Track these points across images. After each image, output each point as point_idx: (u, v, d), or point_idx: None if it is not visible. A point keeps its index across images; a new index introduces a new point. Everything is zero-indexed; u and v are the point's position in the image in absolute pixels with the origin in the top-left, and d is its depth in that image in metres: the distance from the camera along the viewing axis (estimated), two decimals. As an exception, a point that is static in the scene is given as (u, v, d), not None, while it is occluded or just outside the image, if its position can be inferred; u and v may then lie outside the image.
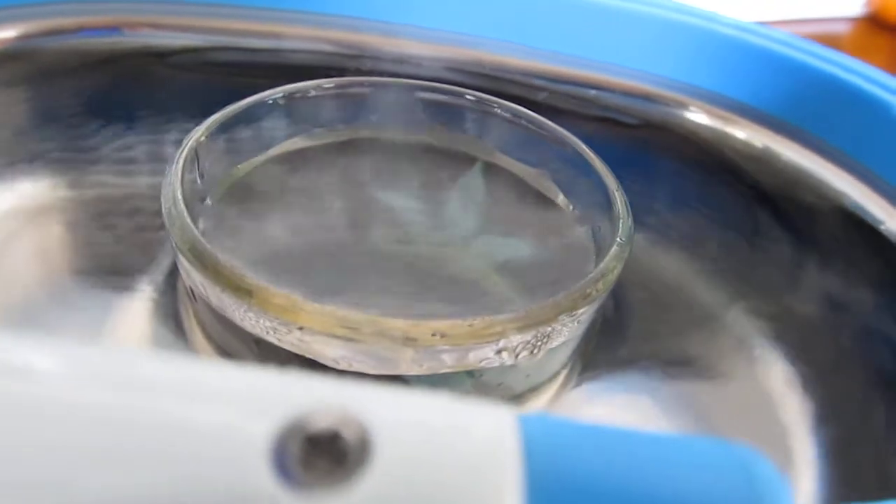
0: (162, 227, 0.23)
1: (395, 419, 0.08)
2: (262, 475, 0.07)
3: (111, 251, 0.23)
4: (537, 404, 0.19)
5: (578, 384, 0.21)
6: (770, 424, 0.21)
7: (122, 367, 0.08)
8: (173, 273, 0.22)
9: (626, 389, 0.21)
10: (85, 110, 0.25)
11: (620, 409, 0.21)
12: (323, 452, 0.07)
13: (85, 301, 0.21)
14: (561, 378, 0.20)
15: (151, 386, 0.08)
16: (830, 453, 0.21)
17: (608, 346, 0.22)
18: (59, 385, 0.08)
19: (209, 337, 0.19)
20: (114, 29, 0.25)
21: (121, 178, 0.25)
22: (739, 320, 0.23)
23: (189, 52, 0.26)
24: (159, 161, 0.25)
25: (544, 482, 0.08)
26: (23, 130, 0.24)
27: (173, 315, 0.21)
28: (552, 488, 0.08)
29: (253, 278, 0.16)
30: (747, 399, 0.22)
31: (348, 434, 0.07)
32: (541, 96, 0.26)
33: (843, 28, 0.65)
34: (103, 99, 0.25)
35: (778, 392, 0.22)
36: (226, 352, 0.18)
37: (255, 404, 0.08)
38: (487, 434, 0.08)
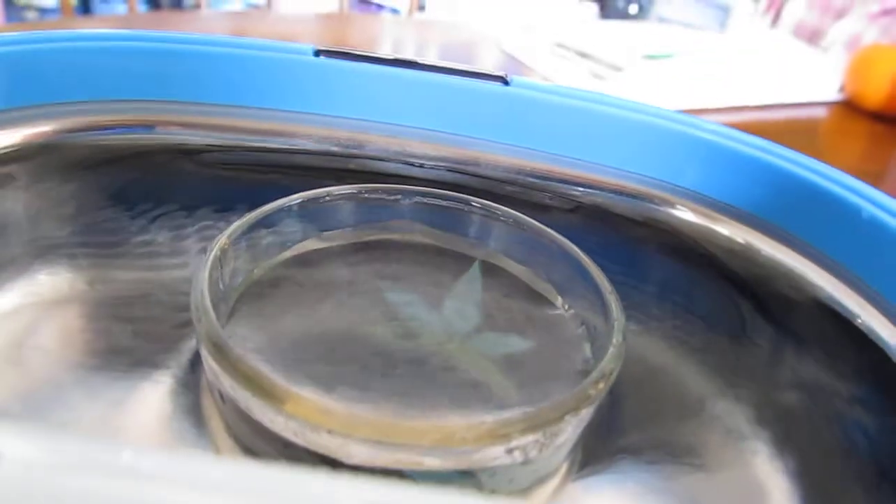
0: (183, 323, 0.24)
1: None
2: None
3: (131, 343, 0.24)
4: (542, 496, 0.21)
5: (579, 475, 0.22)
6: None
7: (150, 464, 0.10)
8: (194, 366, 0.23)
9: (622, 479, 0.22)
10: (112, 204, 0.27)
11: (617, 498, 0.22)
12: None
13: (105, 392, 0.22)
14: (563, 469, 0.21)
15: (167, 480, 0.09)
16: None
17: (604, 438, 0.23)
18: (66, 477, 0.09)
19: (234, 436, 0.20)
20: (145, 127, 0.27)
21: (142, 272, 0.26)
22: (727, 410, 0.25)
23: (212, 151, 0.27)
24: (180, 255, 0.27)
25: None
26: (50, 221, 0.26)
27: (193, 409, 0.22)
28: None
29: (282, 384, 0.17)
30: (736, 487, 0.23)
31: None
32: (545, 199, 0.28)
33: (820, 112, 0.68)
34: (129, 193, 0.27)
35: (764, 480, 0.23)
36: (251, 451, 0.19)
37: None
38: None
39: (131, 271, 0.26)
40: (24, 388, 0.22)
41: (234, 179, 0.28)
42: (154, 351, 0.24)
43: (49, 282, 0.25)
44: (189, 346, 0.24)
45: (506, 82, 0.28)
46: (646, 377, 0.26)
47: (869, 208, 0.24)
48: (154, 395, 0.22)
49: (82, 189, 0.27)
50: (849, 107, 0.70)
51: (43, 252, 0.26)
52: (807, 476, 0.23)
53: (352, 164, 0.28)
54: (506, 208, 0.25)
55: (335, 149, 0.28)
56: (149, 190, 0.28)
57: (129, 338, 0.24)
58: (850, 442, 0.23)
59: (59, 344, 0.24)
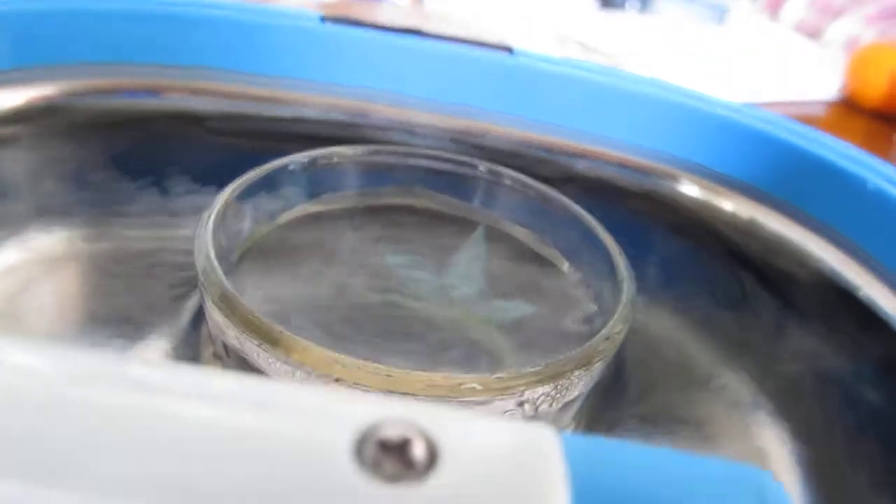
0: (181, 282, 0.24)
1: (457, 432, 0.09)
2: (346, 465, 0.08)
3: (129, 303, 0.24)
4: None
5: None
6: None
7: (203, 383, 0.10)
8: (193, 325, 0.23)
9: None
10: (114, 167, 0.26)
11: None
12: (396, 457, 0.08)
13: (104, 347, 0.22)
14: (570, 432, 0.21)
15: (235, 399, 0.09)
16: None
17: (609, 408, 0.23)
18: (165, 398, 0.09)
19: None
20: (151, 92, 0.27)
21: (142, 232, 0.26)
22: (730, 382, 0.25)
23: (216, 118, 0.27)
24: (180, 217, 0.26)
25: (586, 489, 0.09)
26: (54, 183, 0.26)
27: (193, 361, 0.21)
28: (592, 495, 0.09)
29: (290, 334, 0.17)
30: (739, 458, 0.23)
31: (417, 442, 0.09)
32: (549, 172, 0.27)
33: (819, 110, 0.68)
34: (132, 157, 0.27)
35: (767, 450, 0.23)
36: None
37: (332, 414, 0.09)
38: (537, 447, 0.09)
39: (131, 231, 0.26)
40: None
41: (237, 147, 0.28)
42: (152, 310, 0.23)
43: (48, 241, 0.25)
44: (188, 305, 0.23)
45: (510, 52, 0.28)
46: (650, 349, 0.26)
47: (875, 180, 0.24)
48: (152, 354, 0.22)
49: (85, 152, 0.26)
50: (847, 105, 0.70)
51: (43, 212, 0.25)
52: (810, 447, 0.23)
53: (356, 134, 0.28)
54: (512, 172, 0.25)
55: (340, 118, 0.28)
56: (151, 155, 0.28)
57: (127, 297, 0.24)
58: (852, 413, 0.23)
59: (57, 302, 0.24)
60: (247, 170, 0.24)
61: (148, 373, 0.10)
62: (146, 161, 0.27)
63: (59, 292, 0.24)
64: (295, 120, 0.28)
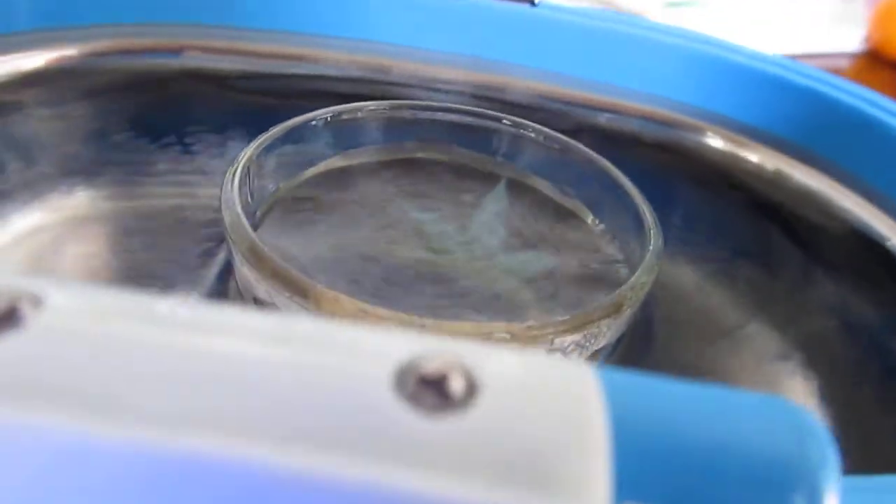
0: (206, 238, 0.24)
1: (496, 366, 0.09)
2: (387, 395, 0.08)
3: (153, 261, 0.24)
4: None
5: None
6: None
7: (252, 323, 0.10)
8: (219, 281, 0.23)
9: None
10: (136, 127, 0.26)
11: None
12: (435, 391, 0.08)
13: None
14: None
15: (282, 338, 0.09)
16: (844, 461, 0.22)
17: (632, 361, 0.23)
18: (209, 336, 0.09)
19: None
20: (172, 52, 0.27)
21: (165, 190, 0.26)
22: (756, 335, 0.24)
23: (237, 77, 0.27)
24: (204, 175, 0.26)
25: (625, 424, 0.09)
26: (79, 144, 0.26)
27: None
28: (632, 429, 0.09)
29: (320, 286, 0.17)
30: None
31: (456, 377, 0.09)
32: (571, 126, 0.27)
33: (843, 63, 0.67)
34: (154, 117, 0.27)
35: (794, 399, 0.23)
36: None
37: (372, 349, 0.09)
38: (575, 380, 0.09)
39: (155, 190, 0.26)
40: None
41: (258, 105, 0.28)
42: (178, 267, 0.24)
43: (73, 202, 0.25)
44: (214, 261, 0.23)
45: (532, 3, 0.28)
46: (674, 302, 0.25)
47: (904, 129, 0.23)
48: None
49: (107, 113, 0.26)
50: (872, 57, 0.69)
51: (67, 173, 0.25)
52: (836, 400, 0.23)
53: (377, 91, 0.27)
54: (536, 125, 0.25)
55: (360, 74, 0.28)
56: (173, 115, 0.28)
57: (152, 255, 0.24)
58: (880, 363, 0.23)
59: (83, 262, 0.24)
60: (268, 128, 0.24)
61: (190, 313, 0.10)
62: (168, 121, 0.27)
63: (84, 252, 0.24)
64: (316, 77, 0.28)
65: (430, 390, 0.08)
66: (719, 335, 0.25)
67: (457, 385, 0.09)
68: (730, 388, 0.10)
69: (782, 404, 0.10)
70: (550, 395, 0.09)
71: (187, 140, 0.27)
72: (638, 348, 0.23)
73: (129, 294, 0.10)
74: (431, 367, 0.09)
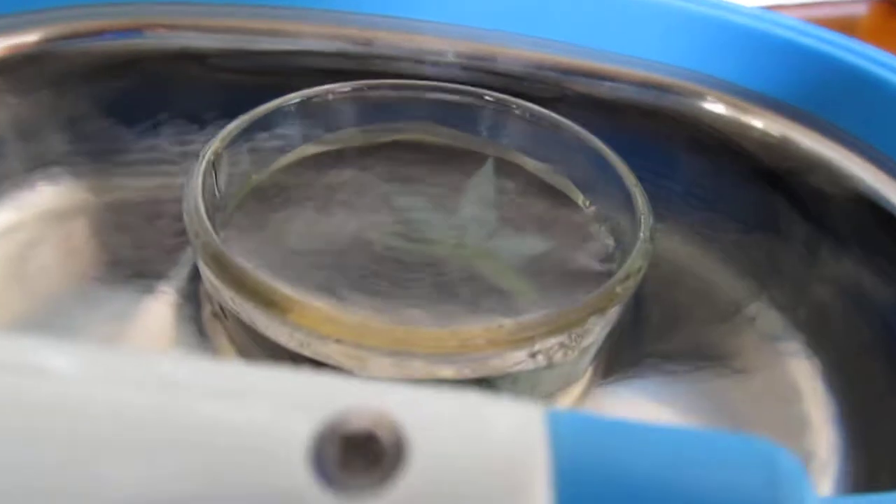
0: (185, 231, 0.23)
1: (428, 419, 0.08)
2: (301, 474, 0.07)
3: (133, 254, 0.23)
4: (566, 403, 0.20)
5: (604, 380, 0.21)
6: (793, 417, 0.21)
7: (153, 368, 0.09)
8: (194, 276, 0.22)
9: (650, 385, 0.21)
10: (107, 113, 0.25)
11: (645, 404, 0.21)
12: (360, 453, 0.08)
13: (108, 304, 0.22)
14: (588, 375, 0.20)
15: (185, 385, 0.08)
16: (852, 445, 0.21)
17: (630, 342, 0.22)
18: (93, 386, 0.08)
19: (239, 349, 0.19)
20: (134, 31, 0.25)
21: (144, 180, 0.25)
22: (759, 311, 0.23)
23: (210, 55, 0.26)
24: (183, 162, 0.25)
25: (572, 477, 0.08)
26: (45, 134, 0.25)
27: (197, 318, 0.21)
28: (580, 483, 0.08)
29: (285, 292, 0.16)
30: (770, 392, 0.22)
31: (384, 434, 0.08)
32: (566, 95, 0.26)
33: (859, 11, 0.64)
34: (125, 102, 0.26)
35: (800, 384, 0.22)
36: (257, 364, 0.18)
37: (292, 404, 0.08)
38: (517, 432, 0.08)
39: (133, 180, 0.25)
40: (28, 303, 0.22)
41: (238, 84, 0.27)
42: (156, 261, 0.23)
43: (48, 194, 0.24)
44: (190, 255, 0.23)
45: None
46: (673, 279, 0.24)
47: (917, 92, 0.22)
48: (156, 307, 0.22)
49: (77, 100, 0.25)
50: (890, 4, 0.66)
51: (39, 165, 0.25)
52: (843, 378, 0.22)
53: (362, 65, 0.26)
54: (521, 101, 0.23)
55: (344, 48, 0.26)
56: (148, 97, 0.26)
57: (130, 248, 0.23)
58: (890, 345, 0.22)
59: (61, 257, 0.23)
60: (247, 108, 0.23)
61: (94, 359, 0.09)
62: (145, 105, 0.26)
63: (62, 248, 0.24)
64: (297, 53, 0.26)
65: (354, 454, 0.08)
66: (719, 315, 0.24)
67: (385, 445, 0.08)
68: (696, 432, 0.09)
69: (758, 446, 0.09)
70: (487, 454, 0.08)
71: (166, 125, 0.26)
72: (631, 333, 0.22)
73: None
74: (356, 424, 0.08)
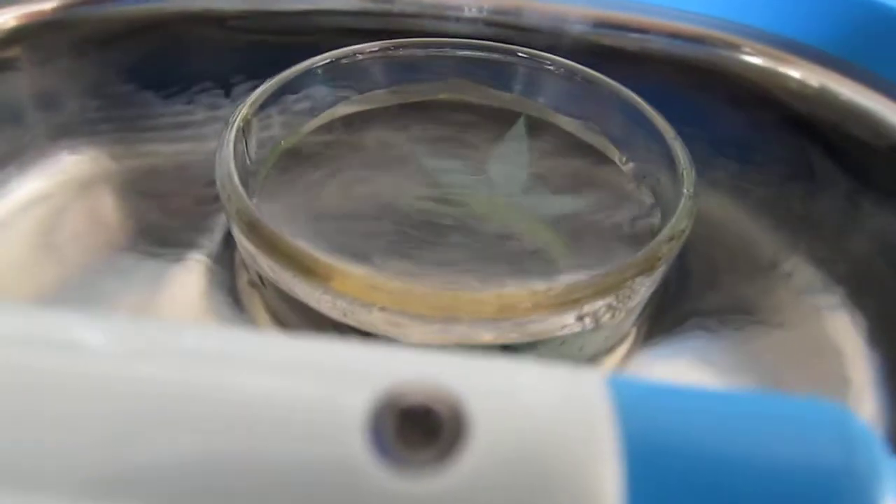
0: (215, 197, 0.23)
1: (487, 391, 0.08)
2: (359, 453, 0.07)
3: (162, 221, 0.23)
4: (611, 364, 0.19)
5: (647, 340, 0.20)
6: (835, 374, 0.21)
7: (198, 341, 0.09)
8: (228, 242, 0.22)
9: (691, 343, 0.21)
10: (129, 79, 0.25)
11: (688, 363, 0.21)
12: (418, 428, 0.07)
13: (139, 273, 0.21)
14: (632, 335, 0.20)
15: (234, 359, 0.08)
16: (892, 397, 0.20)
17: (670, 302, 0.21)
18: (133, 361, 0.08)
19: (277, 318, 0.19)
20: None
21: (170, 145, 0.25)
22: (798, 267, 0.23)
23: (230, 17, 0.25)
24: (210, 125, 0.25)
25: (642, 449, 0.07)
26: (68, 102, 0.24)
27: (231, 287, 0.21)
28: (651, 455, 0.07)
29: (325, 259, 0.16)
30: (810, 348, 0.21)
31: (441, 408, 0.07)
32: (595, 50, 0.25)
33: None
34: (147, 67, 0.25)
35: (840, 339, 0.22)
36: (297, 333, 0.18)
37: (348, 378, 0.08)
38: (580, 402, 0.08)
39: (159, 146, 0.25)
40: (58, 274, 0.22)
41: (260, 45, 0.26)
42: (186, 228, 0.22)
43: (73, 163, 0.24)
44: (222, 221, 0.22)
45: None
46: (711, 235, 0.24)
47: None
48: (188, 275, 0.21)
49: (98, 65, 0.25)
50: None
51: (63, 133, 0.24)
52: (883, 333, 0.21)
53: (382, 24, 0.26)
54: (554, 56, 0.23)
55: (366, 5, 0.26)
56: (171, 61, 0.26)
57: (159, 215, 0.23)
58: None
59: (89, 226, 0.23)
60: (276, 69, 0.22)
61: (142, 331, 0.09)
62: (167, 70, 0.26)
63: (90, 216, 0.23)
64: (319, 12, 0.26)
65: (412, 428, 0.07)
66: (758, 269, 0.23)
67: (443, 419, 0.07)
68: (768, 394, 0.09)
69: (828, 410, 0.08)
70: (550, 428, 0.08)
71: (191, 89, 0.26)
72: (672, 291, 0.22)
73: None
74: (413, 398, 0.07)
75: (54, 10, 0.24)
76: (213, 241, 0.22)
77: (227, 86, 0.26)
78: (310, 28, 0.26)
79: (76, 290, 0.21)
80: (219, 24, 0.26)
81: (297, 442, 0.07)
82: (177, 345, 0.08)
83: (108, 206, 0.24)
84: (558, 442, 0.07)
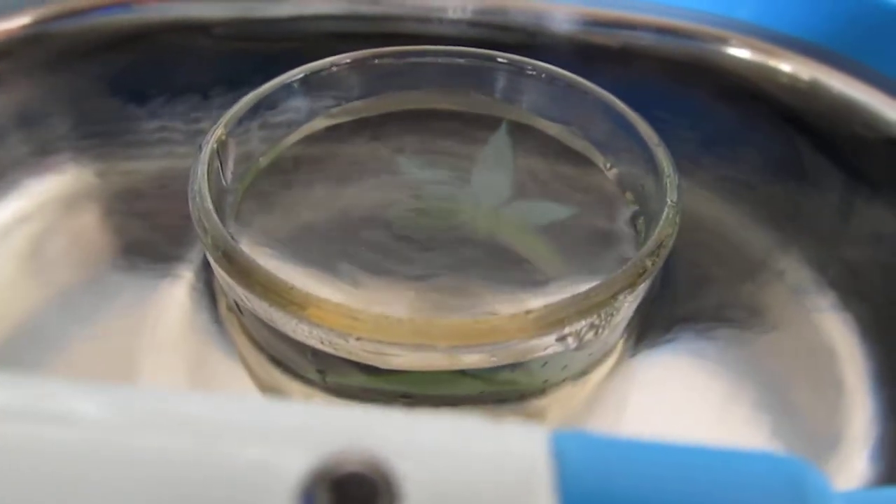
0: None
1: (423, 457, 0.07)
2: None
3: (148, 238, 0.23)
4: (598, 378, 0.19)
5: (636, 351, 0.20)
6: (827, 376, 0.20)
7: (150, 404, 0.08)
8: (207, 268, 0.22)
9: (682, 350, 0.21)
10: (113, 92, 0.25)
11: (678, 370, 0.20)
12: (352, 497, 0.07)
13: (123, 292, 0.21)
14: (619, 347, 0.19)
15: (183, 422, 0.08)
16: (890, 406, 0.20)
17: (658, 308, 0.21)
18: (93, 429, 0.08)
19: (260, 348, 0.18)
20: (124, 5, 0.25)
21: (154, 160, 0.25)
22: (790, 267, 0.23)
23: (213, 25, 0.25)
24: (194, 139, 0.25)
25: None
26: (49, 119, 0.24)
27: (212, 307, 0.21)
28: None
29: (301, 290, 0.16)
30: (801, 349, 0.21)
31: (377, 477, 0.07)
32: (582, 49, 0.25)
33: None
34: (128, 80, 0.25)
35: (831, 340, 0.21)
36: (279, 361, 0.18)
37: (283, 445, 0.08)
38: (519, 461, 0.08)
39: (145, 162, 0.25)
40: (42, 294, 0.21)
41: (248, 53, 0.26)
42: (171, 244, 0.22)
43: (57, 181, 0.24)
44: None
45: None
46: (698, 234, 0.23)
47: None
48: (173, 294, 0.21)
49: (78, 80, 0.25)
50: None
51: (46, 151, 0.24)
52: (877, 334, 0.21)
53: (370, 27, 0.25)
54: (535, 61, 0.22)
55: (348, 9, 0.25)
56: (154, 73, 0.26)
57: (144, 232, 0.23)
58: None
59: (74, 245, 0.23)
60: (264, 78, 0.22)
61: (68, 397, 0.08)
62: (150, 82, 0.26)
63: (74, 236, 0.23)
64: (304, 18, 0.26)
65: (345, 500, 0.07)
66: (748, 270, 0.23)
67: (378, 489, 0.07)
68: (715, 450, 0.08)
69: (783, 464, 0.08)
70: (488, 488, 0.07)
71: (175, 101, 0.26)
72: (660, 295, 0.22)
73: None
74: (348, 468, 0.07)
75: (30, 25, 0.24)
76: (198, 258, 0.22)
77: (211, 97, 0.25)
78: (297, 34, 0.26)
79: (61, 310, 0.21)
80: (203, 32, 0.26)
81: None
82: (123, 410, 0.08)
83: (92, 224, 0.23)
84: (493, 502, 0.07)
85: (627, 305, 0.17)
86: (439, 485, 0.07)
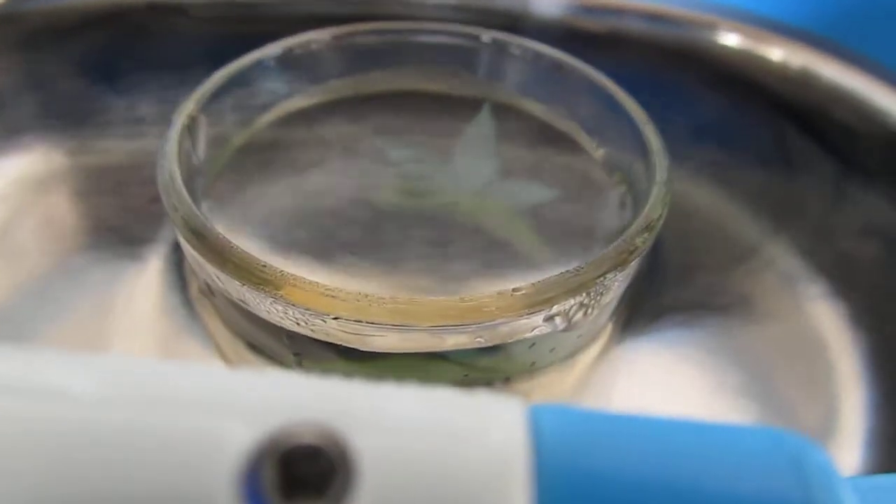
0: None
1: (384, 430, 0.07)
2: (223, 497, 0.06)
3: (119, 221, 0.22)
4: (585, 363, 0.18)
5: (623, 337, 0.20)
6: (818, 365, 0.20)
7: (81, 367, 0.08)
8: (177, 250, 0.21)
9: (671, 336, 0.20)
10: (86, 72, 0.24)
11: (666, 357, 0.20)
12: (302, 476, 0.06)
13: (93, 275, 0.21)
14: (607, 332, 0.19)
15: (116, 387, 0.07)
16: (882, 396, 0.20)
17: (648, 293, 0.20)
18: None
19: (234, 332, 0.18)
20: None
21: (126, 141, 0.24)
22: (780, 255, 0.22)
23: (185, 6, 0.24)
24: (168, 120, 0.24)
25: (558, 484, 0.07)
26: (20, 98, 0.23)
27: (183, 286, 0.20)
28: (568, 491, 0.07)
29: (275, 267, 0.15)
30: (791, 338, 0.20)
31: (332, 451, 0.07)
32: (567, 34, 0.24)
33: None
34: (100, 59, 0.24)
35: (824, 329, 0.21)
36: (253, 345, 0.17)
37: (231, 415, 0.07)
38: (493, 436, 0.07)
39: (116, 142, 0.24)
40: (12, 277, 0.21)
41: (223, 34, 0.25)
42: (142, 226, 0.21)
43: (27, 161, 0.23)
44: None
45: None
46: (688, 222, 0.23)
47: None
48: (143, 276, 0.20)
49: (52, 59, 0.24)
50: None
51: (17, 132, 0.23)
52: (868, 323, 0.21)
53: (347, 9, 0.25)
54: (519, 39, 0.22)
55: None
56: (128, 53, 0.25)
57: (115, 214, 0.22)
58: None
59: (43, 227, 0.22)
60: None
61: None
62: (125, 61, 0.25)
63: (43, 218, 0.22)
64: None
65: (295, 476, 0.06)
66: (738, 259, 0.22)
67: (332, 465, 0.06)
68: (714, 425, 0.08)
69: (782, 439, 0.08)
70: (459, 467, 0.07)
71: (149, 82, 0.25)
72: (649, 282, 0.21)
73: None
74: (299, 440, 0.07)
75: (3, 4, 0.23)
76: (170, 240, 0.21)
77: (187, 79, 0.25)
78: (276, 16, 0.25)
79: (29, 291, 0.20)
80: (181, 13, 0.25)
81: (160, 481, 0.06)
82: (55, 377, 0.07)
83: (62, 206, 0.23)
84: (462, 481, 0.06)
85: (617, 285, 0.16)
86: (401, 461, 0.07)
